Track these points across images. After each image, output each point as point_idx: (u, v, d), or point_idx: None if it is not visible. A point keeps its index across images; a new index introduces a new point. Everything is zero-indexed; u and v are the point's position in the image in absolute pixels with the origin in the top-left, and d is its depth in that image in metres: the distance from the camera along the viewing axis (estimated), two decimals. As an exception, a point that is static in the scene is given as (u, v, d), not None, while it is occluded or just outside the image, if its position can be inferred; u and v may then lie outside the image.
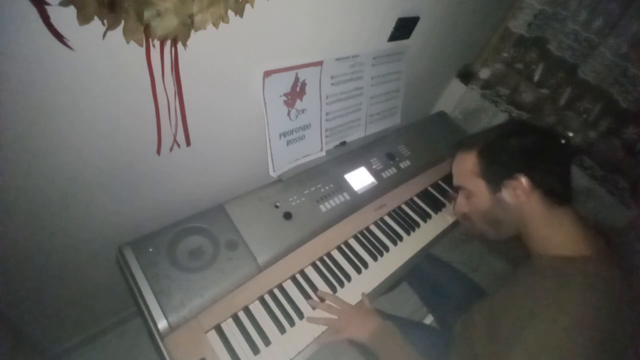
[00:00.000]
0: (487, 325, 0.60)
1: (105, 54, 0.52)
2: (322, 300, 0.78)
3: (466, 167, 0.67)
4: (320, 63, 0.85)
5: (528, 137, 0.63)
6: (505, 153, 0.63)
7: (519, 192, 0.61)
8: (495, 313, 0.59)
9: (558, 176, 0.61)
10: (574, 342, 0.47)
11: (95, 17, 0.43)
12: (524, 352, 0.49)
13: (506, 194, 0.62)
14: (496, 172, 0.63)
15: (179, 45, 0.55)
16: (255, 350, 0.68)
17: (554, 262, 0.57)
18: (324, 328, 0.74)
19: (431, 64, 1.28)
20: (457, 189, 0.73)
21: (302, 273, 0.83)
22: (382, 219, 1.00)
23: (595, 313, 0.49)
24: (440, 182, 1.17)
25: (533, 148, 0.62)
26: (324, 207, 0.90)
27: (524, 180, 0.60)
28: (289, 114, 0.86)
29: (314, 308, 0.77)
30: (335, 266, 0.86)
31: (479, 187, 0.65)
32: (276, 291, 0.78)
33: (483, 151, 0.65)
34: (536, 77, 1.29)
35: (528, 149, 0.62)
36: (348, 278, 0.84)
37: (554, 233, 0.59)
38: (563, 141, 0.64)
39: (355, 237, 0.93)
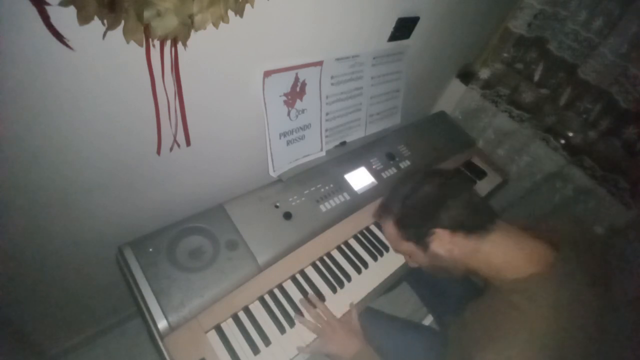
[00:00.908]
0: (480, 323, 0.61)
1: (105, 54, 0.52)
2: (313, 306, 0.77)
3: (391, 235, 0.71)
4: (320, 63, 0.85)
5: (423, 189, 0.65)
6: (412, 216, 0.66)
7: (444, 242, 0.63)
8: (471, 320, 0.61)
9: (469, 211, 0.63)
10: None
11: (95, 17, 0.43)
12: None
13: (435, 248, 0.64)
14: (416, 234, 0.66)
15: (179, 45, 0.55)
16: (255, 350, 0.68)
17: (505, 286, 0.58)
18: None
19: (431, 64, 1.28)
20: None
21: (302, 273, 0.83)
22: (382, 219, 1.00)
23: (546, 335, 0.50)
24: (440, 182, 1.17)
25: (431, 199, 0.64)
26: (324, 207, 0.90)
27: (440, 232, 0.62)
28: (289, 114, 0.86)
29: (302, 314, 0.76)
30: (335, 266, 0.86)
31: (411, 249, 0.68)
32: (276, 291, 0.78)
33: (397, 221, 0.68)
34: (536, 77, 1.29)
35: (428, 203, 0.64)
36: (348, 278, 0.84)
37: (494, 260, 0.61)
38: (453, 175, 0.68)
39: (355, 237, 0.93)
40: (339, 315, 0.77)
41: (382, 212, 0.73)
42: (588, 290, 0.55)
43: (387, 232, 0.72)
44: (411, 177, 0.69)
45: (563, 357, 0.49)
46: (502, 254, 0.60)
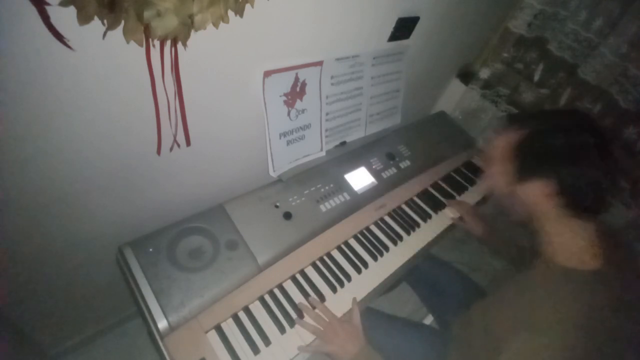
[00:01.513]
0: (484, 322, 0.60)
1: (105, 54, 0.52)
2: (312, 307, 0.76)
3: (501, 148, 0.63)
4: (320, 63, 0.85)
5: (580, 136, 0.55)
6: (545, 150, 0.57)
7: (538, 194, 0.57)
8: (493, 312, 0.60)
9: (592, 191, 0.55)
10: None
11: (95, 17, 0.43)
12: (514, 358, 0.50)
13: (526, 192, 0.58)
14: (524, 167, 0.59)
15: (179, 45, 0.55)
16: (255, 350, 0.68)
17: (558, 273, 0.56)
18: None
19: (431, 64, 1.28)
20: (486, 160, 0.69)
21: (302, 273, 0.83)
22: (382, 219, 1.00)
23: (587, 334, 0.49)
24: (440, 182, 1.17)
25: (579, 153, 0.55)
26: (324, 207, 0.90)
27: (545, 185, 0.56)
28: (289, 114, 0.86)
29: (302, 316, 0.75)
30: (335, 266, 0.86)
31: (504, 171, 0.61)
32: (276, 291, 0.78)
33: (522, 141, 0.59)
34: (536, 77, 1.29)
35: (572, 153, 0.55)
36: (348, 278, 0.84)
37: (565, 241, 0.57)
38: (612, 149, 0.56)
39: (355, 237, 0.93)
40: (339, 314, 0.77)
41: (516, 122, 0.62)
42: (629, 303, 0.53)
43: (499, 142, 0.63)
44: (575, 116, 0.59)
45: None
46: (571, 239, 0.57)
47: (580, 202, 0.56)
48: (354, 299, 0.80)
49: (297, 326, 0.74)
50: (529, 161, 0.58)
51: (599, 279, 0.53)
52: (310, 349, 0.71)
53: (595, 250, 0.55)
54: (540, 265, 0.60)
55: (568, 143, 0.55)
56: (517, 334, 0.52)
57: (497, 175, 0.64)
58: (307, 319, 0.75)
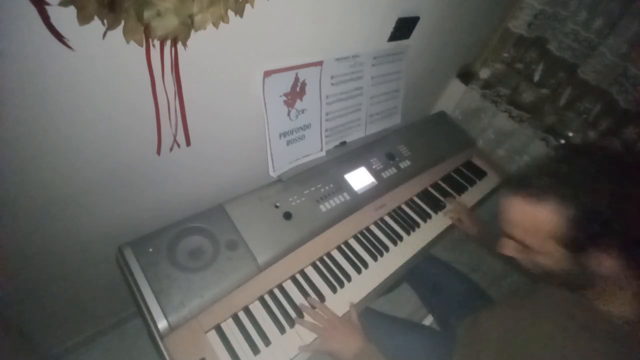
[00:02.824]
0: (497, 337, 0.55)
1: (105, 54, 0.52)
2: (312, 307, 0.77)
3: (539, 225, 0.50)
4: (320, 63, 0.85)
5: (623, 181, 0.46)
6: (601, 221, 0.46)
7: (604, 263, 0.47)
8: (511, 329, 0.54)
9: None
10: None
11: (95, 17, 0.43)
12: None
13: (587, 260, 0.48)
14: (583, 242, 0.48)
15: (179, 45, 0.55)
16: (255, 350, 0.68)
17: (596, 316, 0.49)
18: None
19: (431, 64, 1.28)
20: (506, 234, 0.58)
21: (302, 273, 0.83)
22: (382, 219, 1.00)
23: None
24: (440, 182, 1.17)
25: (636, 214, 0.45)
26: (324, 207, 0.90)
27: (612, 258, 0.46)
28: (289, 114, 0.86)
29: (302, 315, 0.76)
30: (335, 266, 0.86)
31: (549, 248, 0.51)
32: (276, 291, 0.78)
33: (575, 218, 0.47)
34: (536, 77, 1.29)
35: (632, 216, 0.45)
36: (348, 278, 0.84)
37: (615, 293, 0.50)
38: None
39: (355, 237, 0.93)
40: (339, 315, 0.77)
41: (545, 184, 0.50)
42: None
43: (527, 216, 0.51)
44: (622, 169, 0.48)
45: None
46: (626, 293, 0.49)
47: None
48: (351, 303, 0.80)
49: (297, 326, 0.74)
50: (583, 240, 0.48)
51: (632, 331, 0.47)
52: (311, 348, 0.71)
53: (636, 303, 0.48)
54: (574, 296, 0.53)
55: (623, 207, 0.45)
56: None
57: (534, 253, 0.54)
58: (307, 318, 0.75)
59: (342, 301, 0.80)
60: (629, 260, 0.46)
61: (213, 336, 0.68)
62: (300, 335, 0.73)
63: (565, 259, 0.50)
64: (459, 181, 1.21)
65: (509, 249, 0.58)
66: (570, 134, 1.28)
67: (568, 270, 0.51)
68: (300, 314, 0.76)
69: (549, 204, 0.49)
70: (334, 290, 0.82)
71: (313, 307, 0.76)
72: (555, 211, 0.48)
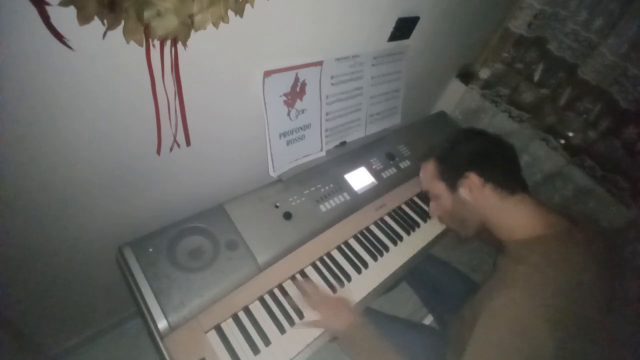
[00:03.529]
0: (472, 315, 0.62)
1: (105, 54, 0.52)
2: (302, 287, 0.79)
3: (428, 173, 0.76)
4: (320, 63, 0.85)
5: (475, 141, 0.72)
6: (456, 157, 0.71)
7: (472, 188, 0.68)
8: (477, 304, 0.63)
9: (505, 171, 0.68)
10: (528, 314, 0.51)
11: (95, 17, 0.43)
12: (483, 330, 0.54)
13: (462, 192, 0.69)
14: (450, 174, 0.71)
15: (179, 45, 0.55)
16: (255, 350, 0.68)
17: (516, 246, 0.63)
18: (322, 330, 0.74)
19: (431, 64, 1.28)
20: (427, 195, 0.80)
21: (302, 273, 0.83)
22: (382, 219, 1.00)
23: (552, 287, 0.53)
24: (440, 182, 1.17)
25: (480, 150, 0.70)
26: (324, 207, 0.90)
27: (473, 177, 0.67)
28: (289, 114, 0.86)
29: (302, 316, 0.76)
30: (335, 266, 0.86)
31: (441, 189, 0.73)
32: (276, 291, 0.78)
33: (438, 157, 0.74)
34: (536, 77, 1.29)
35: (475, 151, 0.70)
36: (348, 278, 0.84)
37: (512, 219, 0.65)
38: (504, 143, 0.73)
39: (355, 237, 0.93)
40: None
41: (428, 151, 0.78)
42: (596, 269, 0.57)
43: (425, 171, 0.77)
44: (465, 130, 0.78)
45: (560, 321, 0.51)
46: (521, 214, 0.65)
47: (503, 182, 0.67)
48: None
49: (297, 326, 0.74)
50: (449, 170, 0.72)
51: (550, 241, 0.59)
52: (307, 322, 0.74)
53: (540, 218, 0.63)
54: (505, 249, 0.66)
55: (468, 147, 0.71)
56: (492, 297, 0.55)
57: (441, 198, 0.74)
58: (302, 296, 0.77)
59: (342, 301, 0.80)
60: (489, 181, 0.66)
61: (213, 336, 0.68)
62: (301, 335, 0.73)
63: (451, 197, 0.72)
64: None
65: (432, 210, 0.79)
66: (570, 134, 1.28)
67: (459, 211, 0.72)
68: (301, 314, 0.76)
69: (431, 157, 0.76)
70: (333, 290, 0.82)
71: (303, 288, 0.78)
72: (432, 159, 0.75)
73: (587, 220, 0.71)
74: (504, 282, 0.57)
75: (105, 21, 0.44)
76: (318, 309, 0.75)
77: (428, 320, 1.17)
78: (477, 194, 0.67)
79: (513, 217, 0.65)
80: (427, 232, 1.01)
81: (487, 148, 0.71)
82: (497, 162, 0.69)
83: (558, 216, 0.64)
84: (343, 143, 1.05)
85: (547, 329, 0.49)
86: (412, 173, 1.11)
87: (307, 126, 0.92)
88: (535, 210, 0.65)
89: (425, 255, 1.00)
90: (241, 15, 0.56)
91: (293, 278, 0.81)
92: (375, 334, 0.71)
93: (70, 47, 0.46)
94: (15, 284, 0.78)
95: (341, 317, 0.73)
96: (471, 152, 0.70)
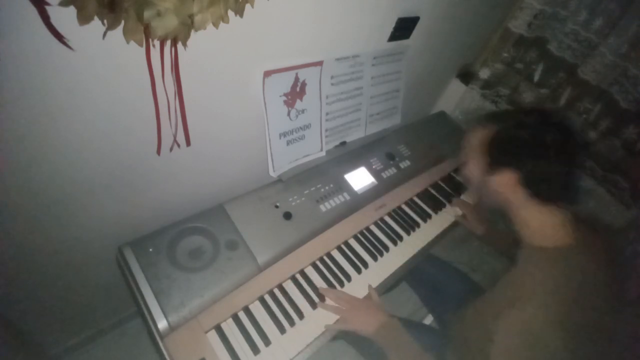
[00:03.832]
0: (478, 318, 0.64)
1: (105, 54, 0.52)
2: (331, 292, 0.80)
3: (475, 143, 0.69)
4: (320, 63, 0.85)
5: (544, 132, 0.60)
6: (511, 144, 0.63)
7: (505, 183, 0.64)
8: (485, 306, 0.64)
9: (552, 183, 0.61)
10: (541, 326, 0.52)
11: (95, 17, 0.43)
12: (502, 340, 0.54)
13: (495, 181, 0.65)
14: (495, 158, 0.65)
15: (179, 45, 0.55)
16: (255, 350, 0.68)
17: (534, 253, 0.61)
18: (323, 329, 0.75)
19: (431, 64, 1.28)
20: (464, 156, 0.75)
21: (302, 273, 0.83)
22: (382, 219, 1.00)
23: (566, 298, 0.54)
24: (440, 182, 1.17)
25: (535, 146, 0.60)
26: (324, 207, 0.90)
27: (510, 175, 0.62)
28: (289, 114, 0.86)
29: (323, 298, 0.79)
30: (335, 266, 0.86)
31: (479, 162, 0.68)
32: (276, 291, 0.78)
33: (492, 138, 0.66)
34: (536, 77, 1.29)
35: (529, 147, 0.61)
36: (348, 278, 0.84)
37: (536, 225, 0.63)
38: (577, 142, 0.62)
39: (355, 237, 0.93)
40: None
41: (488, 119, 0.69)
42: (602, 278, 0.58)
43: (473, 137, 0.70)
44: (541, 114, 0.64)
45: (570, 327, 0.52)
46: (546, 223, 0.63)
47: (544, 191, 0.62)
48: (369, 285, 0.84)
49: (297, 326, 0.74)
50: (497, 154, 0.65)
51: (571, 254, 0.58)
52: (335, 326, 0.75)
53: (566, 231, 0.61)
54: (522, 250, 0.65)
55: (532, 138, 0.61)
56: (503, 313, 0.55)
57: (472, 167, 0.71)
58: (328, 301, 0.78)
59: (342, 301, 0.80)
60: (527, 187, 0.61)
61: (213, 336, 0.68)
62: (301, 335, 0.73)
63: (481, 174, 0.67)
64: (458, 181, 1.21)
65: (464, 175, 0.74)
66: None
67: (481, 186, 0.69)
68: (301, 314, 0.76)
69: (491, 128, 0.67)
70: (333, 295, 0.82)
71: (332, 293, 0.79)
72: (491, 131, 0.66)
73: (607, 231, 0.70)
74: (516, 289, 0.57)
75: (105, 21, 0.44)
76: (348, 313, 0.76)
77: (428, 320, 1.17)
78: (506, 189, 0.64)
79: (538, 223, 0.63)
80: (427, 232, 1.01)
81: (550, 147, 0.59)
82: (551, 169, 0.60)
83: (583, 228, 0.62)
84: (343, 143, 1.05)
85: (560, 339, 0.51)
86: (412, 173, 1.11)
87: (307, 126, 0.92)
88: (563, 223, 0.62)
89: (425, 255, 1.00)
90: (241, 15, 0.56)
91: (293, 278, 0.81)
92: (406, 334, 0.73)
93: (70, 47, 0.46)
94: (15, 284, 0.78)
95: (371, 319, 0.75)
96: (525, 147, 0.61)
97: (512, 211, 0.66)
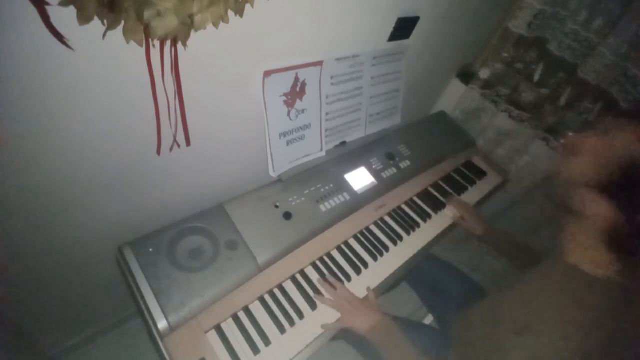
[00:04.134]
0: (485, 324, 0.62)
1: (105, 54, 0.52)
2: (332, 286, 0.80)
3: (615, 149, 0.53)
4: (320, 63, 0.85)
5: None
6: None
7: (601, 212, 0.52)
8: (496, 312, 0.61)
9: None
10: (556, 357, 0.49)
11: (95, 17, 0.43)
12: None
13: (592, 197, 0.53)
14: (618, 188, 0.51)
15: (179, 45, 0.55)
16: (255, 350, 0.68)
17: (567, 272, 0.55)
18: (322, 330, 0.75)
19: (431, 64, 1.28)
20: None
21: (302, 273, 0.83)
22: (382, 219, 1.00)
23: (595, 343, 0.49)
24: (440, 182, 1.17)
25: None
26: (324, 207, 0.90)
27: (618, 219, 0.51)
28: (289, 114, 0.86)
29: (321, 294, 0.79)
30: (335, 266, 0.86)
31: (593, 169, 0.54)
32: (276, 291, 0.78)
33: (632, 165, 0.50)
34: (536, 77, 1.29)
35: None
36: (348, 278, 0.84)
37: (588, 249, 0.54)
38: None
39: (355, 237, 0.93)
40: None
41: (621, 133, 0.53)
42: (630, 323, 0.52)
43: (610, 141, 0.54)
44: None
45: None
46: (599, 251, 0.53)
47: (627, 246, 0.51)
48: (368, 287, 0.84)
49: (297, 326, 0.74)
50: (622, 187, 0.51)
51: (608, 287, 0.52)
52: (333, 326, 0.75)
53: (614, 264, 0.52)
54: (551, 264, 0.59)
55: None
56: (521, 335, 0.52)
57: (579, 165, 0.57)
58: (327, 296, 0.79)
59: (342, 301, 0.80)
60: (616, 233, 0.51)
61: (213, 336, 0.68)
62: (301, 335, 0.73)
63: (584, 180, 0.54)
64: (458, 181, 1.21)
65: (566, 159, 0.61)
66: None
67: (564, 185, 0.58)
68: (301, 314, 0.76)
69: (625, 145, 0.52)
70: (333, 286, 0.82)
71: (334, 287, 0.80)
72: (626, 148, 0.51)
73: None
74: (534, 316, 0.53)
75: (105, 21, 0.44)
76: (343, 309, 0.76)
77: (428, 320, 1.16)
78: (597, 217, 0.53)
79: (590, 248, 0.54)
80: (427, 232, 1.01)
81: None
82: None
83: (630, 272, 0.53)
84: (343, 143, 1.05)
85: None
86: (412, 173, 1.11)
87: (307, 126, 0.92)
88: (616, 259, 0.53)
89: (425, 255, 1.00)
90: (241, 15, 0.56)
91: (293, 278, 0.81)
92: (400, 334, 0.73)
93: (70, 47, 0.46)
94: (15, 284, 0.78)
95: (368, 318, 0.75)
96: None
97: (574, 224, 0.56)
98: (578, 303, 0.51)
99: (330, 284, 0.80)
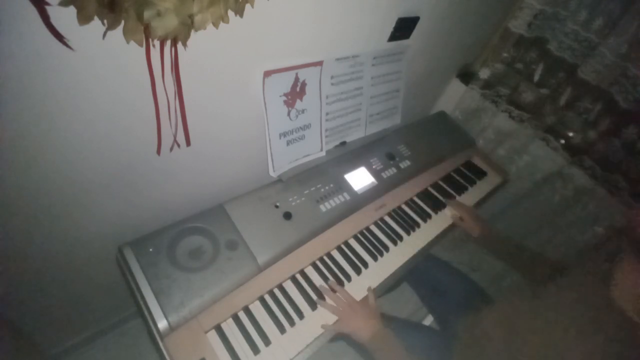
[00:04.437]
0: (505, 338, 0.59)
1: (105, 54, 0.52)
2: (332, 290, 0.80)
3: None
4: (320, 63, 0.85)
5: None
6: None
7: (634, 276, 0.54)
8: (519, 328, 0.58)
9: None
10: None
11: (95, 17, 0.43)
12: None
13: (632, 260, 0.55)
14: None
15: (179, 45, 0.55)
16: (255, 350, 0.68)
17: (607, 306, 0.53)
18: (322, 330, 0.75)
19: (431, 64, 1.28)
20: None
21: (302, 273, 0.83)
22: (382, 219, 1.00)
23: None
24: (440, 182, 1.17)
25: None
26: (324, 207, 0.90)
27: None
28: (289, 114, 0.86)
29: (322, 297, 0.79)
30: (335, 266, 0.86)
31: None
32: (276, 291, 0.78)
33: None
34: (536, 77, 1.29)
35: None
36: (348, 278, 0.84)
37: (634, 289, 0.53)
38: None
39: (355, 237, 0.93)
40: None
41: None
42: None
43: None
44: None
45: None
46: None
47: None
48: (369, 287, 0.83)
49: (297, 326, 0.74)
50: None
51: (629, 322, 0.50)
52: (331, 327, 0.75)
53: None
54: (589, 291, 0.57)
55: None
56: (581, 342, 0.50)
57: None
58: (328, 300, 0.78)
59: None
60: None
61: (213, 336, 0.68)
62: (301, 335, 0.73)
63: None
64: (459, 181, 1.21)
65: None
66: (570, 134, 1.28)
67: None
68: (301, 314, 0.76)
69: None
70: (334, 290, 0.82)
71: (333, 291, 0.79)
72: None
73: None
74: (564, 350, 0.51)
75: (105, 21, 0.44)
76: (344, 315, 0.76)
77: (428, 320, 1.16)
78: (631, 280, 0.54)
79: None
80: (427, 232, 1.01)
81: None
82: None
83: None
84: (343, 143, 1.05)
85: None
86: (412, 173, 1.11)
87: (307, 126, 0.92)
88: None
89: (425, 255, 1.00)
90: (241, 15, 0.56)
91: (293, 278, 0.81)
92: (398, 346, 0.72)
93: (70, 47, 0.46)
94: (15, 284, 0.78)
95: (368, 326, 0.74)
96: None
97: (625, 277, 0.55)
98: (605, 335, 0.50)
99: (331, 288, 0.80)
